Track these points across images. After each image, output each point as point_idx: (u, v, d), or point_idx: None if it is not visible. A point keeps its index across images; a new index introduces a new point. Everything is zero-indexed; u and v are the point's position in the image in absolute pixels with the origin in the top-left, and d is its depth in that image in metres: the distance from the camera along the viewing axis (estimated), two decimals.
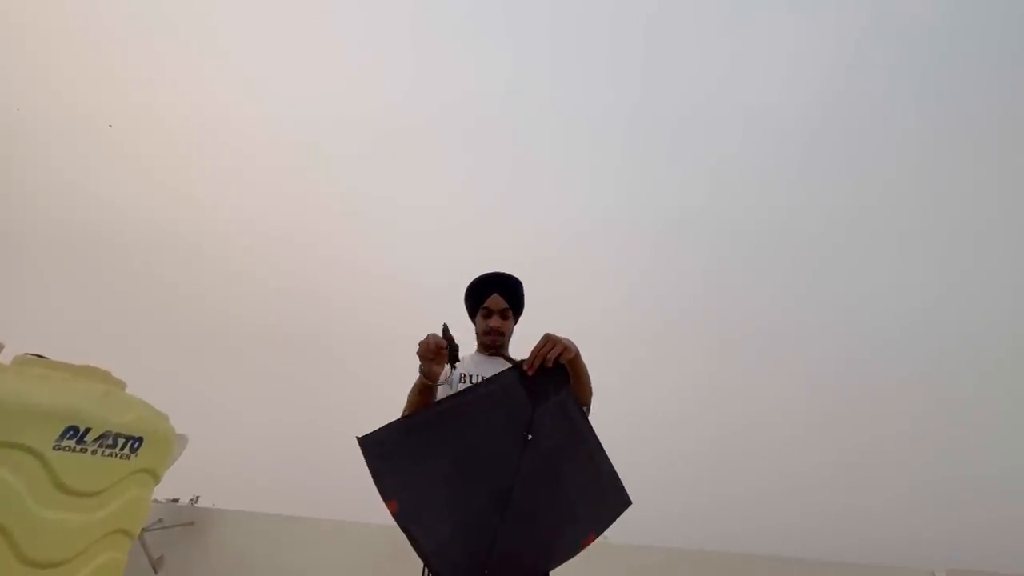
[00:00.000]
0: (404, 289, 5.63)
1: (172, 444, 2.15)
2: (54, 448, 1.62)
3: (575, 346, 1.33)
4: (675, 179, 5.52)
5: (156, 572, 3.06)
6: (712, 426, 4.55)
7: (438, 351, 1.30)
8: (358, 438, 1.08)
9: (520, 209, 5.80)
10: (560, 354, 1.27)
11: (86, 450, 1.71)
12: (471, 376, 1.51)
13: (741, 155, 5.42)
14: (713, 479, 4.31)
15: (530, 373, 1.26)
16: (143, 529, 2.97)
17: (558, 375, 1.31)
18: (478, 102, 5.96)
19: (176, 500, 3.78)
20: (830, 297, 4.79)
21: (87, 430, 1.71)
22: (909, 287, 4.53)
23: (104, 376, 1.95)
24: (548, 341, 1.28)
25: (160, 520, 3.34)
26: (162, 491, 3.16)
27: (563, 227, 5.66)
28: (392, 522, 1.07)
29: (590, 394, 1.45)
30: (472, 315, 1.65)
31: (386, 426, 1.15)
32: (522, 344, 1.46)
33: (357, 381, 5.18)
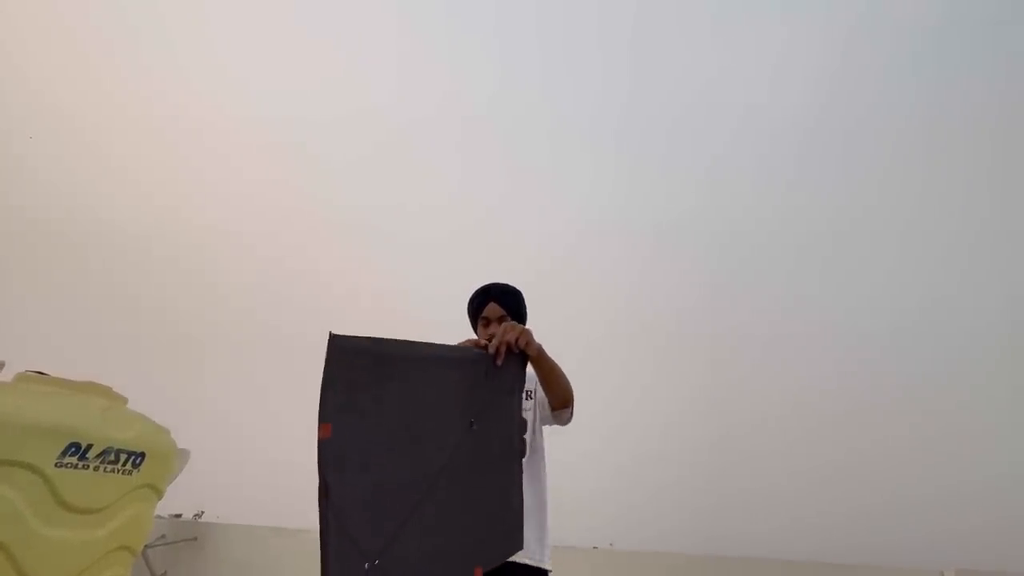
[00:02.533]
0: (404, 297, 5.63)
1: (174, 459, 2.15)
2: (56, 465, 1.61)
3: (538, 344, 1.32)
4: (669, 180, 5.48)
5: None
6: (715, 428, 4.52)
7: (527, 342, 1.26)
8: (332, 333, 0.82)
9: (512, 215, 5.74)
10: (517, 339, 1.25)
11: (88, 466, 1.71)
12: None
13: (735, 155, 5.40)
14: (718, 482, 4.27)
15: (498, 362, 1.21)
16: (146, 545, 2.96)
17: (517, 362, 1.28)
18: (462, 104, 5.91)
19: (179, 516, 3.78)
20: (831, 298, 4.77)
21: (89, 446, 1.71)
22: (911, 287, 4.50)
23: (105, 392, 1.95)
24: (506, 328, 1.27)
25: (163, 536, 3.34)
26: (166, 507, 3.15)
27: (557, 232, 5.61)
28: None
29: (568, 391, 1.42)
30: (475, 327, 1.67)
31: (367, 339, 0.89)
32: None
33: None
